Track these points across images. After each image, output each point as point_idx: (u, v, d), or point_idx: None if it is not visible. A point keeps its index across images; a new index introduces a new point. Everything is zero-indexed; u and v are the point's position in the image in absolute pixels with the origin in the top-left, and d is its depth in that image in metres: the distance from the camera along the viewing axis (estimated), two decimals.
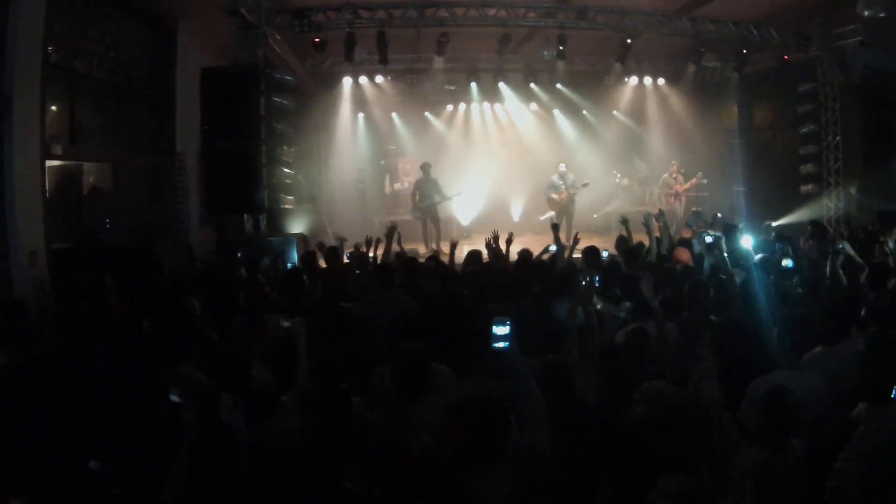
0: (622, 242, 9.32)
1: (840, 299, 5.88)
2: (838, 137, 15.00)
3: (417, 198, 16.11)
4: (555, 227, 9.49)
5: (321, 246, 9.94)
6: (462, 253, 9.66)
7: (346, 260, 9.34)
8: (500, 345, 3.84)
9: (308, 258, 9.42)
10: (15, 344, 5.67)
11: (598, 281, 6.28)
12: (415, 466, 3.20)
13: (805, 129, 15.39)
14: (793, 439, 3.69)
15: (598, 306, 5.99)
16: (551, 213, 16.37)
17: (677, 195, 17.66)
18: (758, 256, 8.26)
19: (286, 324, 5.03)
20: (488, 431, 3.34)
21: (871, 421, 3.54)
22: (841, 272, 7.17)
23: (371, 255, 8.92)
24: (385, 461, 3.45)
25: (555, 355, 4.37)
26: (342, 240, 9.92)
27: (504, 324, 3.86)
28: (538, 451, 3.51)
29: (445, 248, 12.72)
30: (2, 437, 3.54)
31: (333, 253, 9.14)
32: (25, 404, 4.12)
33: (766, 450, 3.61)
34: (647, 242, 9.07)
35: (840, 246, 8.22)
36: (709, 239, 8.52)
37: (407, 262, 8.23)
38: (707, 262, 8.17)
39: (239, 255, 9.80)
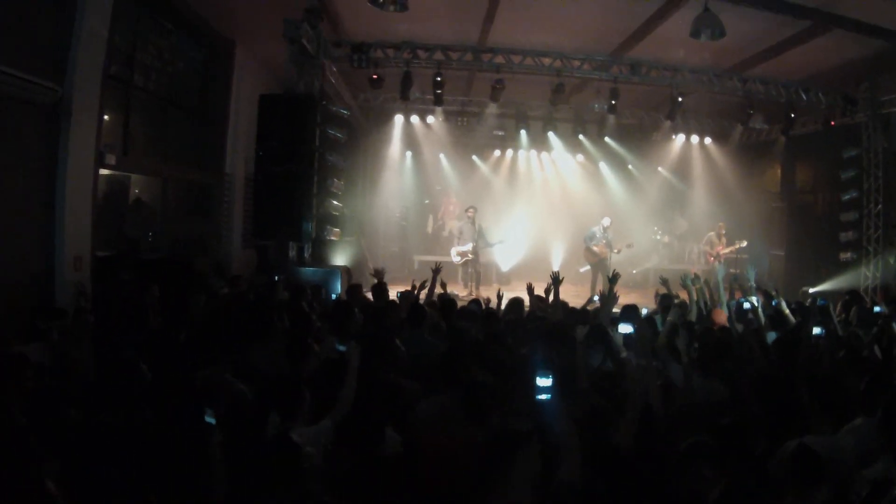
0: (664, 299, 9.22)
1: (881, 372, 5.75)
2: (880, 206, 14.89)
3: (460, 241, 16.17)
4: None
5: (378, 273, 9.81)
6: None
7: (393, 297, 9.29)
8: (543, 396, 4.10)
9: (354, 290, 9.44)
10: (55, 344, 5.75)
11: (634, 334, 6.36)
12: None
13: (847, 196, 15.33)
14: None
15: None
16: (588, 266, 16.32)
17: (718, 256, 17.51)
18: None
19: (341, 347, 5.04)
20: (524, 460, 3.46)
21: None
22: (876, 346, 7.05)
23: (416, 294, 8.92)
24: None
25: (596, 403, 4.38)
26: (381, 271, 9.87)
27: (546, 376, 4.10)
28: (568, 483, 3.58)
29: (485, 293, 12.77)
30: (42, 433, 3.57)
31: (380, 288, 9.12)
32: (64, 403, 4.17)
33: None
34: (687, 301, 8.97)
35: (878, 309, 8.08)
36: (747, 305, 8.48)
37: (445, 302, 8.28)
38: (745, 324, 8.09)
39: (277, 278, 9.82)
